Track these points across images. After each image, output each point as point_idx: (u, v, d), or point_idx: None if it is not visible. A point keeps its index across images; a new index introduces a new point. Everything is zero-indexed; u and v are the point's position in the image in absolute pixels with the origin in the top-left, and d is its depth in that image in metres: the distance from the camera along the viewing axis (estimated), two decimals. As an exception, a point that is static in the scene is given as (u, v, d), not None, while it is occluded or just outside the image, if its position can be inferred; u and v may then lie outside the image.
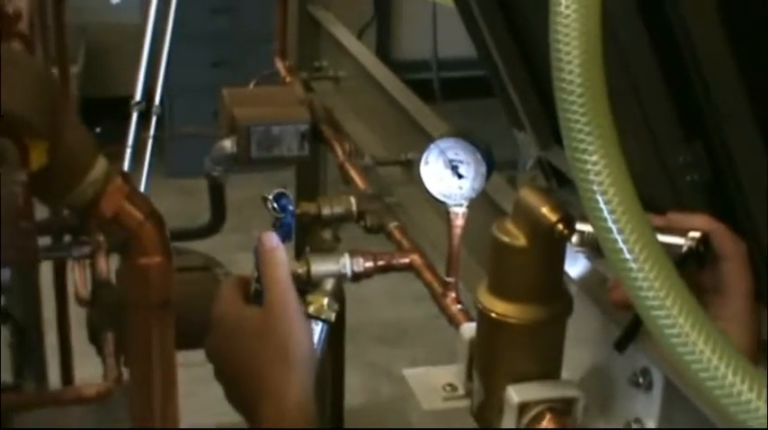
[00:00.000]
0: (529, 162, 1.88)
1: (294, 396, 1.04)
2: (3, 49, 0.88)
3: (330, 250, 1.48)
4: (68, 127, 0.88)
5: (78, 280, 1.84)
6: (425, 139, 1.69)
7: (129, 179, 0.97)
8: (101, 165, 0.92)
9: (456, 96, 5.00)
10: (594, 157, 0.68)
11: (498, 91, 1.67)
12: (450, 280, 1.34)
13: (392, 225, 1.53)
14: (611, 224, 0.68)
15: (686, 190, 1.17)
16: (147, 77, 2.69)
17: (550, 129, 1.61)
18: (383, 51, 5.53)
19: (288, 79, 2.20)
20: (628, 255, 0.68)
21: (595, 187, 0.68)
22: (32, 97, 0.82)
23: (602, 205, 0.68)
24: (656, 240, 0.69)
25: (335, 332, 1.24)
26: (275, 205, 1.45)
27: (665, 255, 0.69)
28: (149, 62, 2.70)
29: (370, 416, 3.35)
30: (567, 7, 0.69)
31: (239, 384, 1.08)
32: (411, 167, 1.74)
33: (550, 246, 0.99)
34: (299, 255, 1.28)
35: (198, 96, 4.67)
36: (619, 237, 0.68)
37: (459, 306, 1.33)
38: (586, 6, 0.70)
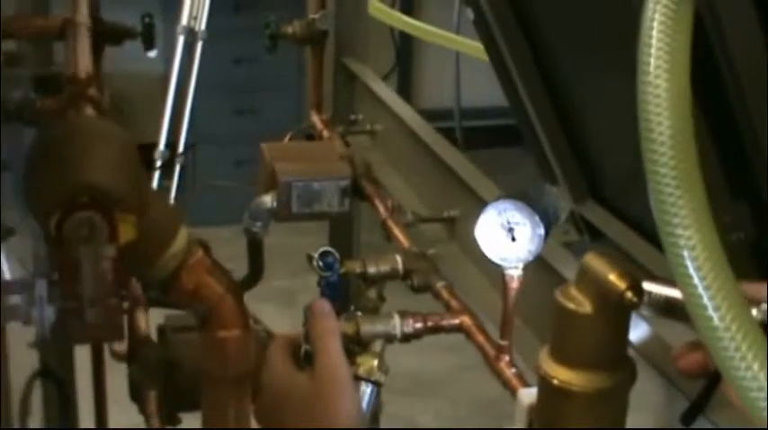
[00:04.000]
0: (562, 216, 1.86)
1: None
2: (83, 118, 0.87)
3: (375, 309, 1.46)
4: (152, 198, 0.87)
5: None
6: (466, 194, 1.67)
7: (210, 251, 0.96)
8: (182, 236, 0.90)
9: (477, 146, 4.99)
10: (688, 232, 0.67)
11: (531, 144, 1.66)
12: (504, 343, 1.32)
13: (439, 284, 1.51)
14: (706, 301, 0.67)
15: (732, 249, 1.15)
16: (170, 127, 2.70)
17: (584, 183, 1.60)
18: (404, 100, 5.51)
19: (325, 133, 2.18)
20: (718, 323, 0.67)
21: (688, 262, 0.67)
22: (120, 170, 0.80)
23: (696, 282, 0.67)
24: (749, 311, 0.69)
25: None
26: (320, 263, 1.44)
27: (757, 325, 0.68)
28: (173, 111, 2.71)
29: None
30: (656, 77, 0.68)
31: None
32: (453, 225, 1.72)
33: (617, 314, 0.98)
34: (340, 312, 1.26)
35: (220, 145, 4.69)
36: (709, 304, 0.67)
37: (513, 369, 1.31)
38: (675, 74, 0.68)
